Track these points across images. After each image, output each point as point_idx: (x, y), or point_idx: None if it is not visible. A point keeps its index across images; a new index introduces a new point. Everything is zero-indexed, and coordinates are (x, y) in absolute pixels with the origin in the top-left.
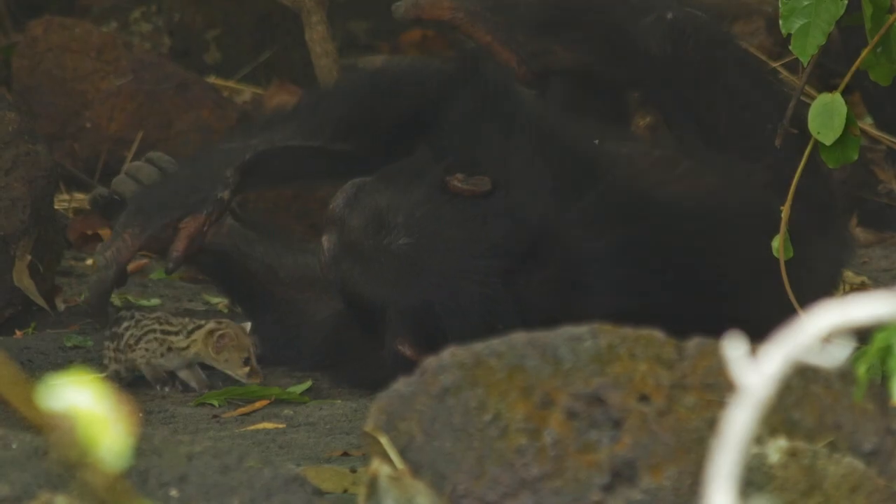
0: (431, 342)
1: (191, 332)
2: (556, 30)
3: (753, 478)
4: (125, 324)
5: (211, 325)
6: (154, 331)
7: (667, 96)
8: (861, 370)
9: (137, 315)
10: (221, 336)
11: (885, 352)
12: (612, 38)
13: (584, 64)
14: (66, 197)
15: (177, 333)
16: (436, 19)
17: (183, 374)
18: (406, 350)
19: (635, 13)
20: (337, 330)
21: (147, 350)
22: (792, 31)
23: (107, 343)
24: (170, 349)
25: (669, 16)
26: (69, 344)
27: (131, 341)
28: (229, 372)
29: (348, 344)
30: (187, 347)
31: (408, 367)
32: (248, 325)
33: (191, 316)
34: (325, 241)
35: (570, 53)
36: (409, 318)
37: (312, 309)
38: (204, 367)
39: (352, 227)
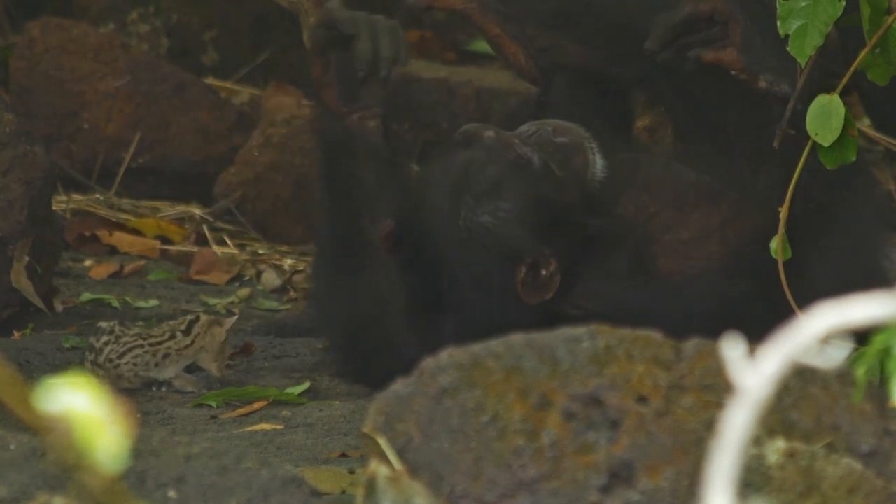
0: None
1: (189, 329)
2: (569, 23)
3: (751, 479)
4: (104, 338)
5: (206, 316)
6: (140, 346)
7: (676, 94)
8: (860, 371)
9: (117, 330)
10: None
11: (884, 353)
12: (624, 33)
13: (593, 60)
14: (63, 198)
15: (172, 337)
16: (448, 9)
17: (177, 383)
18: (385, 231)
19: (649, 8)
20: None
21: (136, 364)
22: (790, 32)
23: (86, 353)
24: (166, 356)
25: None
26: (67, 345)
27: (112, 356)
28: (210, 364)
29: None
30: (192, 343)
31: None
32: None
33: (167, 320)
34: (488, 134)
35: (580, 48)
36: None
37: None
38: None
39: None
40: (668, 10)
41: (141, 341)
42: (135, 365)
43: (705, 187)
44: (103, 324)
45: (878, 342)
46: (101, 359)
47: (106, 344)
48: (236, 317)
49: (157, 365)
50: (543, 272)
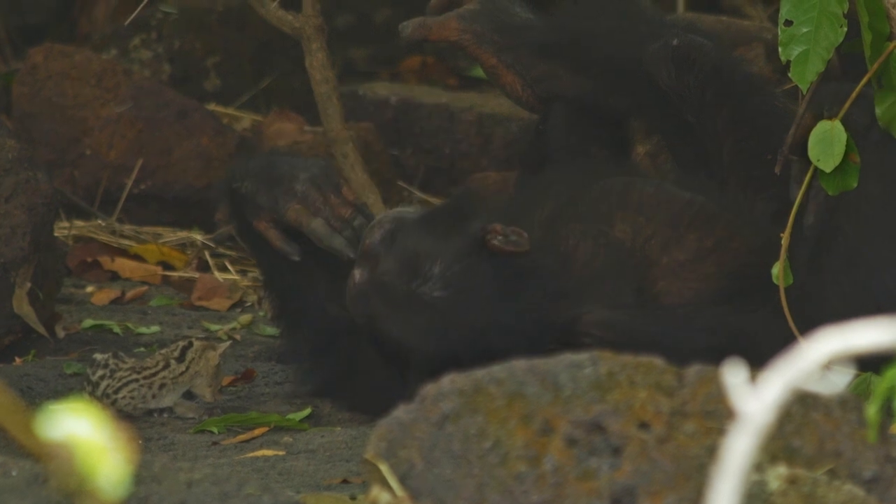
0: None
1: (182, 356)
2: (563, 54)
3: None
4: (99, 372)
5: (198, 342)
6: (135, 380)
7: (671, 123)
8: (871, 410)
9: (112, 364)
10: (223, 352)
11: (894, 391)
12: (617, 63)
13: (588, 89)
14: (65, 224)
15: (166, 366)
16: (443, 41)
17: (178, 410)
18: None
19: (642, 39)
20: (350, 350)
21: (133, 398)
22: (791, 58)
23: (84, 383)
24: (162, 386)
25: (675, 42)
26: (69, 371)
27: (109, 391)
28: (204, 389)
29: (358, 365)
30: (187, 370)
31: None
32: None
33: (159, 350)
34: (357, 274)
35: (575, 78)
36: (436, 368)
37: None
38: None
39: (385, 267)
40: (657, 41)
41: (135, 375)
42: (132, 398)
43: (698, 206)
44: (98, 356)
45: (888, 380)
46: (97, 392)
47: (102, 378)
48: (230, 341)
49: (154, 396)
50: (505, 236)
